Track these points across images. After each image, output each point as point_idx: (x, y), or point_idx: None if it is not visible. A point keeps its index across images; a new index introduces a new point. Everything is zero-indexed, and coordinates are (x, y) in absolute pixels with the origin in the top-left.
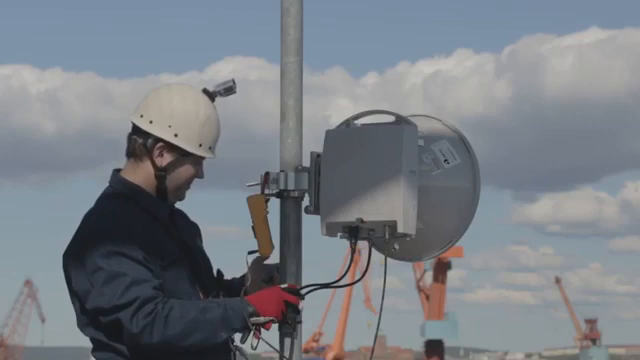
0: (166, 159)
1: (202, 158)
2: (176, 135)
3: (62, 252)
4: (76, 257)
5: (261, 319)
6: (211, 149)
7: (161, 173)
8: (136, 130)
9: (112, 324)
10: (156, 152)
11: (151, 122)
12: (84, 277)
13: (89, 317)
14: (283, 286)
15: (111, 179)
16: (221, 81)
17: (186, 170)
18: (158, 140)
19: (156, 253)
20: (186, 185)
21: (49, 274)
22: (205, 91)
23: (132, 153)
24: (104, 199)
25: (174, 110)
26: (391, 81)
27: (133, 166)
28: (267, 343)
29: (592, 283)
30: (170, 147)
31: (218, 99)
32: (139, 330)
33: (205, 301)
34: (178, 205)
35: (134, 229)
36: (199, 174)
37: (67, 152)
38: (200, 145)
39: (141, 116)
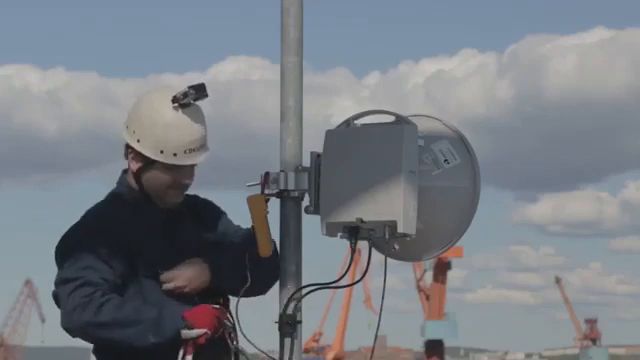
0: (137, 164)
1: (173, 165)
2: (139, 141)
3: None
4: (58, 242)
5: (194, 332)
6: (177, 155)
7: (138, 177)
8: None
9: (55, 298)
10: (130, 156)
11: (127, 127)
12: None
13: None
14: (215, 307)
15: (119, 178)
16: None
17: (155, 176)
18: (129, 145)
19: (128, 254)
20: (165, 191)
21: (49, 274)
22: (172, 97)
23: (124, 155)
24: (105, 197)
25: (137, 115)
26: (394, 81)
27: (129, 168)
28: (258, 349)
29: (592, 283)
30: (137, 152)
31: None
32: (72, 307)
33: (144, 305)
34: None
35: (114, 228)
36: (180, 180)
37: (68, 152)
38: (161, 151)
39: (125, 121)
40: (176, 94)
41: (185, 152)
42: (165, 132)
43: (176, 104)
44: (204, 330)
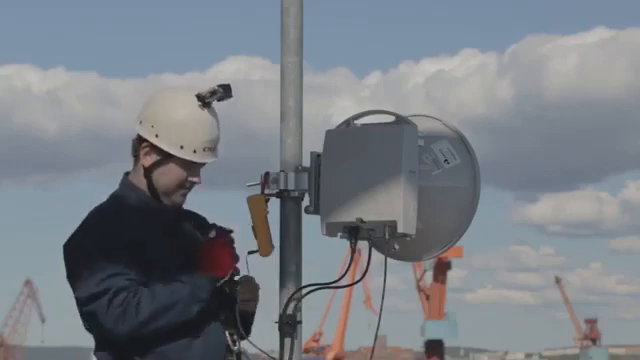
0: (151, 159)
1: (192, 161)
2: (157, 135)
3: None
4: (67, 250)
5: (226, 278)
6: (196, 152)
7: (149, 173)
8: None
9: (88, 315)
10: (142, 152)
11: (140, 122)
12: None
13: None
14: (212, 235)
15: (121, 180)
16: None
17: (170, 171)
18: (143, 140)
19: (139, 254)
20: (176, 188)
21: (49, 274)
22: (197, 95)
23: (132, 152)
24: (108, 199)
25: (157, 111)
26: (394, 81)
27: (135, 166)
28: (258, 348)
29: (592, 283)
30: (154, 147)
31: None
32: (114, 320)
33: (172, 284)
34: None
35: (121, 229)
36: (193, 179)
37: (68, 152)
38: (181, 147)
39: (138, 117)
40: (202, 92)
41: (204, 150)
42: (188, 128)
43: (200, 102)
44: (230, 271)
